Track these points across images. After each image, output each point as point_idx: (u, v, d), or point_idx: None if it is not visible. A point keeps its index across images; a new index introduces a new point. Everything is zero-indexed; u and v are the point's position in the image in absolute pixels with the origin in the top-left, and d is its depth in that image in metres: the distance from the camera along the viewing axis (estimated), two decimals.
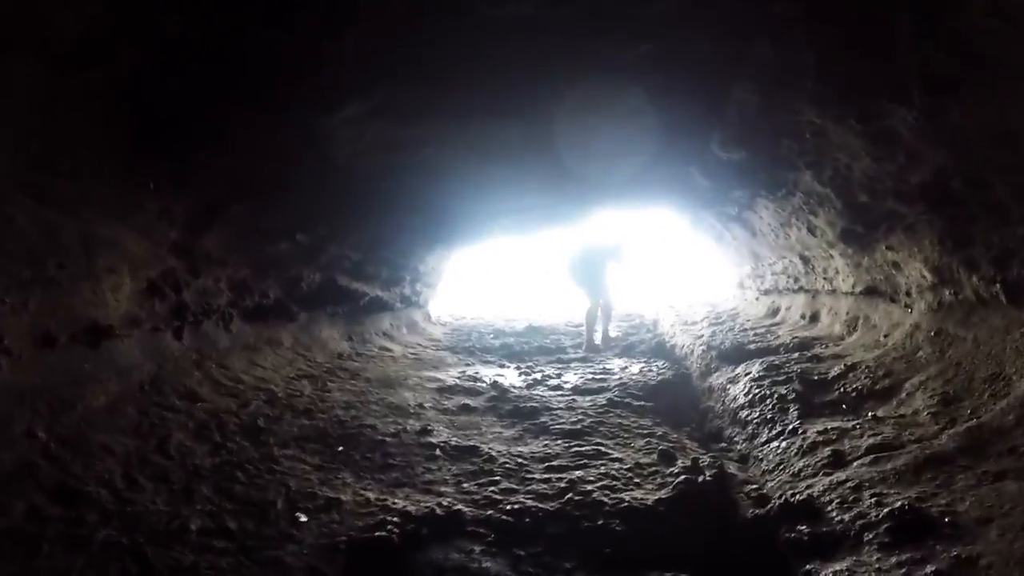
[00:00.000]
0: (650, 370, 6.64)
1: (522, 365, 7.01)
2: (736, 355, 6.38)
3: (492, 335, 9.55)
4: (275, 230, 5.22)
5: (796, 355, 5.68)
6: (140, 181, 3.51)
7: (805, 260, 7.29)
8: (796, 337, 6.62)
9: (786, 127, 4.04)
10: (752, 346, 6.60)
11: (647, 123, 4.40)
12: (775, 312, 9.07)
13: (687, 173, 5.99)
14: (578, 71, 3.54)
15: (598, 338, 8.86)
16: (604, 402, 5.16)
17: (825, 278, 7.02)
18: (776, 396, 4.50)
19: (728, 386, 5.36)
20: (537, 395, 5.50)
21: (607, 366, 6.92)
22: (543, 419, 4.69)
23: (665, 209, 10.77)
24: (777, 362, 5.47)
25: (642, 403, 5.26)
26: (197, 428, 3.72)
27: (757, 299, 10.36)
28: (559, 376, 6.36)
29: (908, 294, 5.20)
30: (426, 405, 4.97)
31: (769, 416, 4.27)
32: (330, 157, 4.15)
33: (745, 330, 8.21)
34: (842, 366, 4.85)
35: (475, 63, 3.43)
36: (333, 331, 6.82)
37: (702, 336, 8.24)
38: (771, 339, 6.97)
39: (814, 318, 7.46)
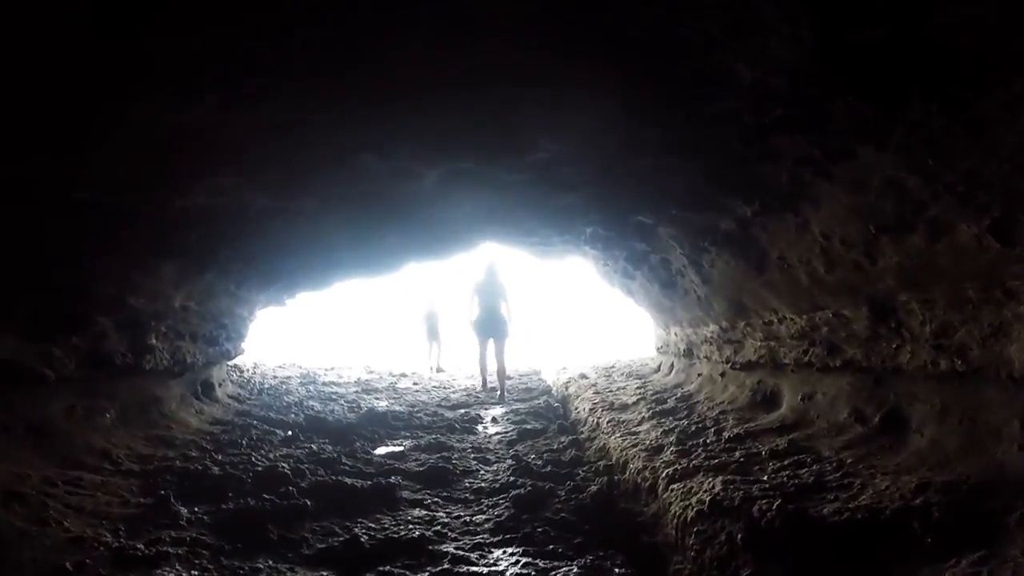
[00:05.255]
0: None
1: None
2: (793, 539, 2.48)
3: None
4: None
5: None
6: None
7: (884, 312, 3.64)
8: (925, 483, 2.76)
9: None
10: (825, 509, 2.69)
11: None
12: (770, 401, 5.43)
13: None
14: None
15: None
16: None
17: (949, 344, 3.35)
18: None
19: None
20: None
21: None
22: None
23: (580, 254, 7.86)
24: None
25: None
26: None
27: (723, 375, 6.73)
28: None
29: None
30: None
31: None
32: None
33: (740, 439, 4.47)
34: None
35: None
36: None
37: (663, 451, 4.42)
38: (837, 477, 3.17)
39: (891, 423, 3.77)
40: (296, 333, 17.51)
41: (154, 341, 5.27)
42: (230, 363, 9.13)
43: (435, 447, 4.94)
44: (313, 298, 10.31)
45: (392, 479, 3.75)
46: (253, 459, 4.21)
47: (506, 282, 9.41)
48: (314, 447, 4.73)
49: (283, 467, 3.86)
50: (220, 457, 4.32)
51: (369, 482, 3.65)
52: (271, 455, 4.40)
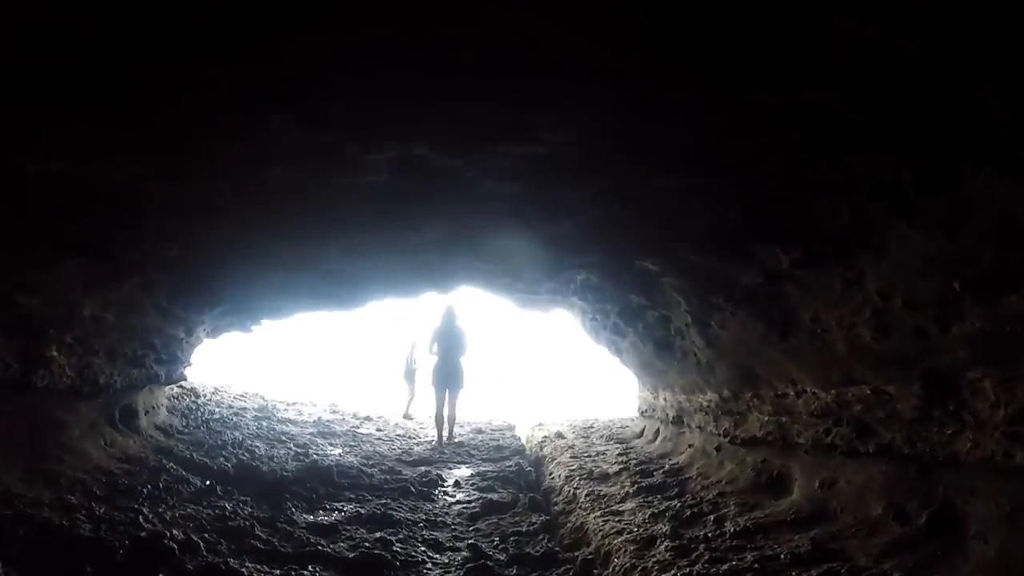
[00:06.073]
0: None
1: None
2: None
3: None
4: None
5: None
6: None
7: (942, 390, 2.95)
8: None
9: None
10: None
11: None
12: (777, 484, 4.63)
13: None
14: None
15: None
16: None
17: None
18: None
19: None
20: None
21: None
22: None
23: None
24: None
25: None
26: None
27: (719, 449, 5.95)
28: None
29: None
30: None
31: None
32: None
33: (749, 534, 3.71)
34: None
35: None
36: None
37: (656, 544, 3.69)
38: None
39: (940, 524, 3.05)
40: (272, 361, 16.61)
41: (54, 353, 4.40)
42: (186, 386, 8.31)
43: (379, 520, 4.01)
44: (293, 328, 9.65)
45: (309, 569, 2.85)
46: (142, 518, 3.30)
47: (465, 328, 9.11)
48: (228, 507, 3.81)
49: (172, 536, 2.96)
50: (102, 510, 3.41)
51: (277, 572, 2.75)
52: (168, 515, 3.49)
